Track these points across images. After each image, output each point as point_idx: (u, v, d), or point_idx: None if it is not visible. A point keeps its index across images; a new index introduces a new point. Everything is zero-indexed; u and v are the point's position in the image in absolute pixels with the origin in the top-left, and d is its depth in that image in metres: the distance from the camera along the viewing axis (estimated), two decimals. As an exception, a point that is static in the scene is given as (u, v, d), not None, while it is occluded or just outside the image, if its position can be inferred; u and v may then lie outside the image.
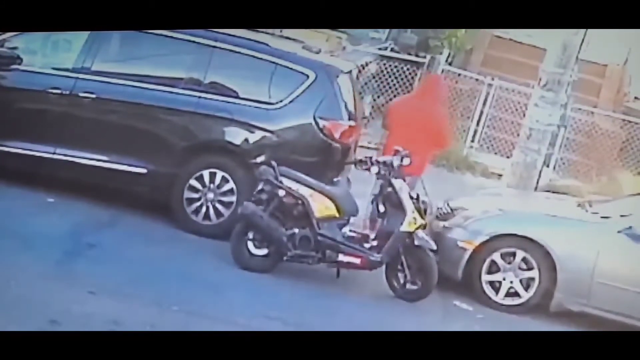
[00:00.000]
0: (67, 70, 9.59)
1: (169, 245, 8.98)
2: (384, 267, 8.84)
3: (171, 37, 9.44)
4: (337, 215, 8.76)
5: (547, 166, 13.66)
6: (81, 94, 9.48)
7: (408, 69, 15.01)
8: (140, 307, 7.37)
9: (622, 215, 9.49)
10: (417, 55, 15.61)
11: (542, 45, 14.43)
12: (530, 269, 9.26)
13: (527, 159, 11.81)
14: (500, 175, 13.48)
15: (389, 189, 8.86)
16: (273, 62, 9.61)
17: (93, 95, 9.48)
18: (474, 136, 15.34)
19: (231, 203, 9.38)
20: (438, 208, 10.16)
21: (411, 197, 8.84)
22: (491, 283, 9.32)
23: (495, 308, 9.25)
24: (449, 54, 16.09)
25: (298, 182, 8.70)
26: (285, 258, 8.65)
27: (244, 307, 7.90)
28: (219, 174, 9.40)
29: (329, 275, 8.90)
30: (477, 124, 15.36)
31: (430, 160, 10.46)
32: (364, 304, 8.71)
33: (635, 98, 18.29)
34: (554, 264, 9.19)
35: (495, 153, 15.31)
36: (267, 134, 9.50)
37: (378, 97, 15.17)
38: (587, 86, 15.92)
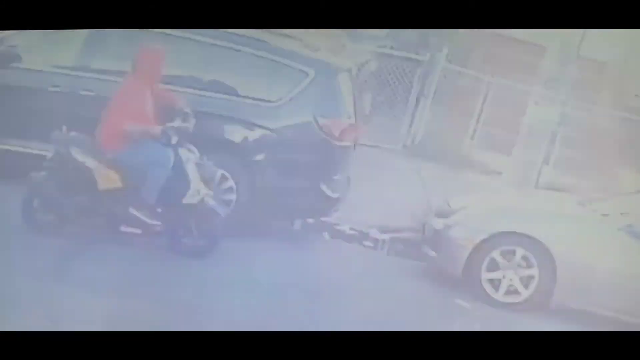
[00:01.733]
0: (67, 68, 9.59)
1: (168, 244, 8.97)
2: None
3: (171, 35, 9.43)
4: (121, 186, 8.64)
5: (547, 164, 13.67)
6: (81, 92, 9.48)
7: (408, 67, 15.02)
8: (140, 307, 7.37)
9: (621, 213, 9.49)
10: (416, 53, 15.60)
11: (541, 43, 14.43)
12: (530, 266, 9.26)
13: (527, 156, 11.84)
14: (500, 173, 13.49)
15: (176, 158, 8.71)
16: (273, 60, 9.61)
17: (93, 93, 9.48)
18: (473, 134, 15.34)
19: (231, 201, 9.38)
20: (438, 206, 10.17)
21: (198, 165, 8.73)
22: (491, 281, 9.32)
23: (495, 306, 9.25)
24: (449, 51, 16.08)
25: (87, 154, 8.60)
26: (70, 224, 8.67)
27: (245, 307, 7.91)
28: (219, 172, 9.40)
29: (326, 274, 8.91)
30: (477, 121, 15.36)
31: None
32: (363, 303, 8.71)
33: (635, 96, 18.27)
34: (554, 262, 9.19)
35: (495, 151, 15.29)
36: (267, 132, 9.50)
37: (378, 94, 15.18)
38: (587, 84, 15.91)
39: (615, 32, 13.63)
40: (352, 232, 10.73)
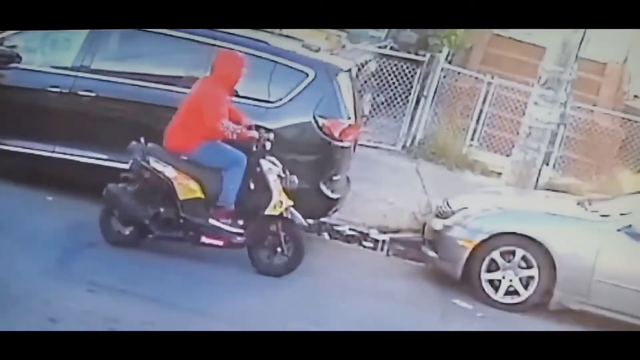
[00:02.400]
0: (66, 68, 9.60)
1: (167, 243, 8.96)
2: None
3: (171, 35, 9.44)
4: (202, 197, 8.60)
5: (547, 164, 13.64)
6: (80, 93, 9.49)
7: (407, 67, 14.99)
8: (140, 306, 7.37)
9: (621, 214, 9.48)
10: (416, 54, 15.59)
11: (541, 43, 14.42)
12: (529, 267, 9.26)
13: (527, 157, 11.82)
14: (500, 174, 13.48)
15: (257, 169, 8.72)
16: (272, 61, 9.61)
17: (92, 94, 9.49)
18: (473, 134, 15.31)
19: (231, 202, 9.36)
20: (438, 206, 10.16)
21: (279, 176, 8.73)
22: (491, 281, 9.32)
23: (494, 306, 9.25)
24: (449, 52, 16.07)
25: (165, 162, 8.58)
26: (151, 237, 8.64)
27: (244, 306, 7.90)
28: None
29: (324, 273, 8.91)
30: (477, 122, 15.34)
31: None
32: (363, 303, 8.71)
33: (635, 96, 18.27)
34: (554, 263, 9.19)
35: (495, 151, 15.29)
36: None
37: (377, 95, 15.16)
38: (587, 84, 15.89)
39: (615, 32, 13.66)
40: (351, 232, 10.73)
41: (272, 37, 10.07)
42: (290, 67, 9.61)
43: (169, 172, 8.54)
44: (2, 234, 8.17)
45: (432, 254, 9.71)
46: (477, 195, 10.71)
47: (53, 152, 9.46)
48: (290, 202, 8.68)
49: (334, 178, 9.63)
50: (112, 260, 8.28)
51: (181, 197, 8.54)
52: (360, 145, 11.19)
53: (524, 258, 9.26)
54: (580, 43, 11.81)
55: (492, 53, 17.30)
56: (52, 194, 9.36)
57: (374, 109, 14.98)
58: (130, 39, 9.60)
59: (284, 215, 8.63)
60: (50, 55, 9.83)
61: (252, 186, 8.71)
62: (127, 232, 8.67)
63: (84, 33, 9.55)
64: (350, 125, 9.70)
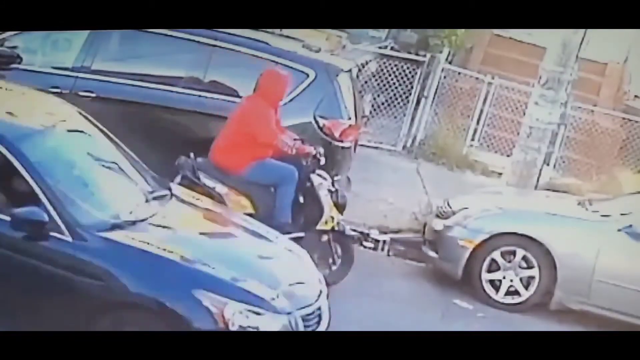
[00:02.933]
0: (66, 69, 9.61)
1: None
2: None
3: (171, 35, 9.44)
4: (252, 212, 8.62)
5: (547, 164, 13.64)
6: (81, 93, 9.48)
7: (408, 68, 14.98)
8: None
9: (622, 214, 9.49)
10: (417, 54, 15.58)
11: (542, 43, 14.40)
12: (530, 267, 9.27)
13: (527, 157, 11.81)
14: (500, 174, 13.47)
15: (308, 184, 8.77)
16: (273, 61, 9.61)
17: (93, 94, 9.49)
18: (474, 135, 15.30)
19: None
20: (438, 207, 10.16)
21: (330, 191, 8.77)
22: (491, 282, 9.33)
23: (495, 307, 9.26)
24: (449, 52, 16.07)
25: (216, 179, 8.61)
26: None
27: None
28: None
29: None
30: (477, 122, 15.33)
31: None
32: (363, 303, 8.71)
33: (635, 96, 18.26)
34: (554, 263, 9.20)
35: (495, 151, 15.28)
36: (267, 133, 9.48)
37: (378, 95, 15.16)
38: (587, 84, 15.88)
39: (615, 32, 13.66)
40: (352, 232, 10.72)
41: (272, 38, 10.08)
42: (291, 67, 9.61)
43: (220, 188, 8.54)
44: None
45: (432, 254, 9.71)
46: (477, 196, 10.72)
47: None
48: (341, 217, 8.75)
49: (335, 178, 9.62)
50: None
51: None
52: (361, 145, 11.19)
53: (524, 258, 9.27)
54: (581, 43, 11.81)
55: (493, 53, 17.29)
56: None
57: (375, 110, 14.96)
58: (131, 39, 9.60)
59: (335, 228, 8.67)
60: (51, 55, 9.84)
61: (301, 200, 8.76)
62: None
63: (84, 34, 9.56)
64: (350, 125, 9.71)
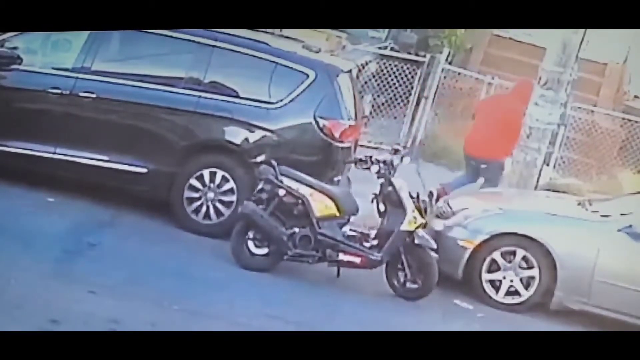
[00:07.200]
0: (67, 70, 9.59)
1: (168, 245, 8.98)
2: (384, 266, 8.84)
3: (171, 36, 9.44)
4: (337, 214, 8.76)
5: (547, 165, 13.63)
6: (81, 94, 9.48)
7: (408, 68, 15.00)
8: (141, 307, 7.38)
9: (622, 214, 9.49)
10: (417, 54, 15.60)
11: (541, 44, 14.42)
12: (530, 267, 9.27)
13: (527, 157, 11.80)
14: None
15: (389, 188, 8.87)
16: (273, 62, 9.61)
17: (93, 95, 9.48)
18: (474, 135, 15.28)
19: (231, 202, 9.38)
20: (438, 207, 10.16)
21: (411, 196, 8.85)
22: (491, 282, 9.33)
23: (495, 307, 9.25)
24: (449, 52, 16.07)
25: (298, 181, 8.70)
26: (285, 257, 8.66)
27: (245, 306, 7.90)
28: (219, 174, 9.40)
29: (328, 274, 8.91)
30: (477, 122, 15.31)
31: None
32: (364, 303, 8.71)
33: (635, 97, 18.28)
34: (554, 263, 9.19)
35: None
36: (267, 134, 9.50)
37: (378, 96, 15.17)
38: (587, 85, 15.90)
39: (615, 32, 13.67)
40: (352, 233, 10.71)
41: (272, 38, 10.08)
42: (291, 68, 9.61)
43: (304, 189, 8.64)
44: (3, 235, 8.18)
45: (432, 254, 9.69)
46: (477, 196, 10.71)
47: (54, 153, 9.46)
48: (424, 220, 8.84)
49: (335, 179, 9.62)
50: (113, 261, 8.27)
51: (317, 214, 8.64)
52: (361, 146, 11.18)
53: (524, 258, 9.26)
54: (581, 43, 11.80)
55: (492, 54, 17.31)
56: (52, 195, 9.36)
57: (375, 110, 14.97)
58: (131, 40, 9.60)
59: (418, 234, 8.78)
60: (51, 56, 9.83)
61: (381, 207, 8.97)
62: (261, 253, 8.68)
63: (84, 34, 9.55)
64: (350, 126, 9.71)
